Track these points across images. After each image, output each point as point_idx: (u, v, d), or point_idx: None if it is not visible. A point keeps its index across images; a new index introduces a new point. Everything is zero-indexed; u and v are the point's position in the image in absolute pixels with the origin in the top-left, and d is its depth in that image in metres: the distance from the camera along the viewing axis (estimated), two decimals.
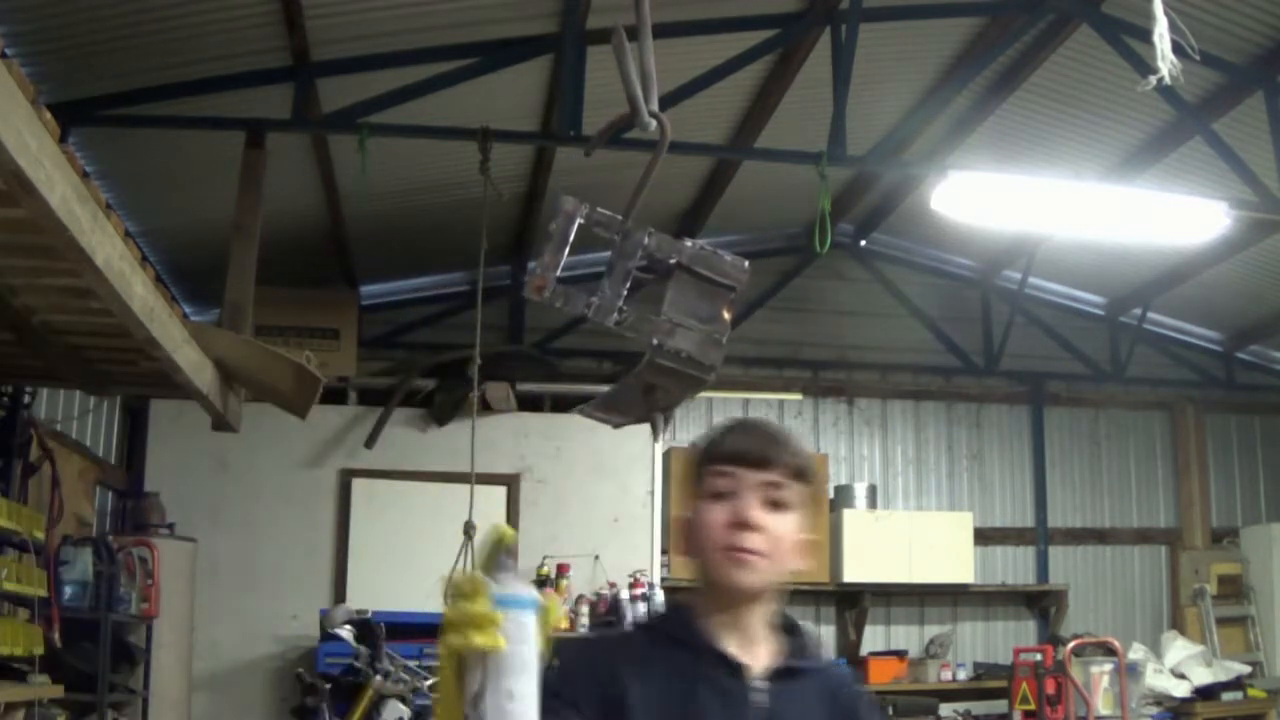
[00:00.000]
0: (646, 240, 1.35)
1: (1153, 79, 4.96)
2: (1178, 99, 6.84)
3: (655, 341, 1.35)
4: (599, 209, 1.34)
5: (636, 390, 1.43)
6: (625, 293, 1.35)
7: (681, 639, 1.82)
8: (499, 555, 1.40)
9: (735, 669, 1.81)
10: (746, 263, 1.37)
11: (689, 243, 1.37)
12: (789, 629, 1.90)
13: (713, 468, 1.79)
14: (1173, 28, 4.87)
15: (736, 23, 6.65)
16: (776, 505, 1.81)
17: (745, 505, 1.79)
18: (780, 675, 1.84)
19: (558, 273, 1.35)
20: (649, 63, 1.66)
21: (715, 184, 8.66)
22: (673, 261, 1.35)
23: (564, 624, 8.55)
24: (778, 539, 1.81)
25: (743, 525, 1.79)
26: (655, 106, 1.64)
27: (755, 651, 1.84)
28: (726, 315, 1.36)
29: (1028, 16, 6.75)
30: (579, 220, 1.34)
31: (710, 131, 7.74)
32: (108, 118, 6.28)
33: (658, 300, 1.35)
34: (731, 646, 1.83)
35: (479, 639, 1.38)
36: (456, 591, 1.40)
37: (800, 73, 7.10)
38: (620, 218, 1.35)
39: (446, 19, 6.28)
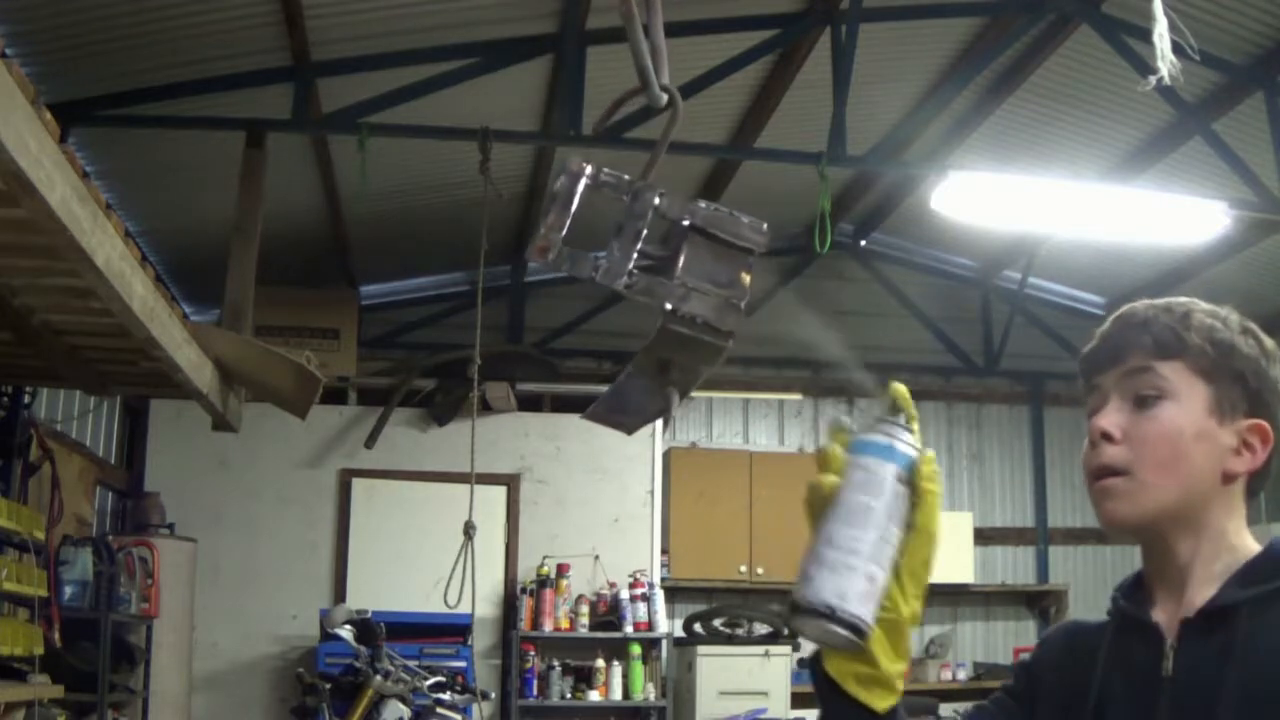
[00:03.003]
0: (658, 200, 1.27)
1: (1153, 79, 4.97)
2: (1178, 99, 6.84)
3: (669, 307, 1.25)
4: (606, 169, 1.29)
5: (649, 370, 1.33)
6: (636, 255, 1.26)
7: (1115, 603, 1.47)
8: (890, 411, 1.25)
9: (1147, 631, 1.39)
10: (765, 225, 1.30)
11: (703, 203, 1.29)
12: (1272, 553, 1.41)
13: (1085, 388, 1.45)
14: (1173, 28, 4.88)
15: (736, 23, 6.65)
16: (1143, 401, 1.41)
17: (1096, 416, 1.42)
18: (1196, 625, 1.36)
19: (563, 234, 1.27)
20: (659, 35, 1.60)
21: (715, 184, 8.66)
22: (686, 223, 1.27)
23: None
24: (1143, 442, 1.38)
25: (1091, 441, 1.42)
26: (666, 80, 1.57)
27: (1189, 602, 1.39)
28: (745, 279, 1.28)
29: (1028, 16, 6.75)
30: (585, 180, 1.27)
31: (710, 131, 7.74)
32: (108, 118, 6.28)
33: (671, 265, 1.27)
34: (1158, 602, 1.42)
35: (813, 479, 1.25)
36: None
37: (800, 73, 7.10)
38: (629, 177, 1.29)
39: (446, 19, 6.29)
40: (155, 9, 5.64)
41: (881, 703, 1.24)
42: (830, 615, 1.15)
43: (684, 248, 1.28)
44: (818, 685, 1.27)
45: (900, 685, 1.25)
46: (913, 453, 1.21)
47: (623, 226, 1.27)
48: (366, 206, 7.46)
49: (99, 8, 5.49)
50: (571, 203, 1.28)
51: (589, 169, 1.29)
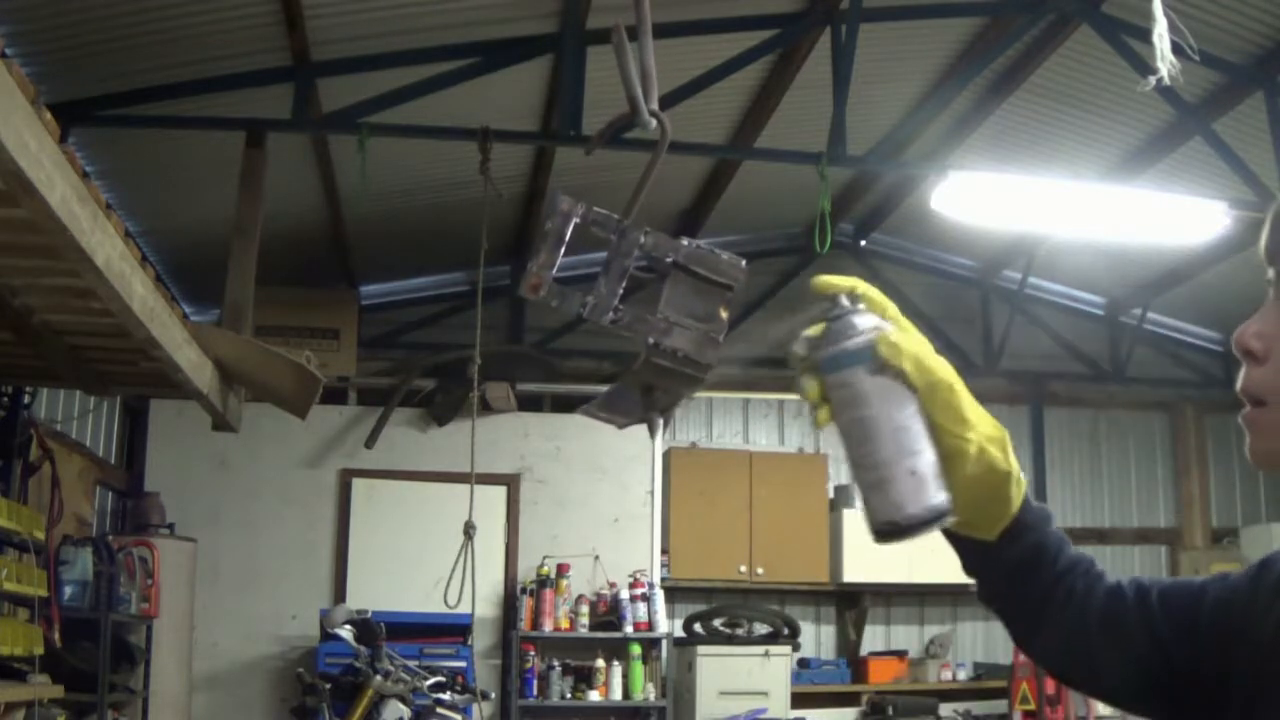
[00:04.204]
0: (643, 239, 1.33)
1: (1152, 79, 4.98)
2: (1178, 99, 6.84)
3: (651, 340, 1.32)
4: (595, 208, 1.34)
5: (635, 390, 1.40)
6: (621, 291, 1.33)
7: None
8: (830, 309, 1.21)
9: None
10: (744, 261, 1.34)
11: (685, 241, 1.34)
12: None
13: None
14: (1173, 28, 4.88)
15: (736, 23, 6.65)
16: None
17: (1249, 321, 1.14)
18: None
19: (553, 272, 1.32)
20: (649, 61, 1.65)
21: (715, 184, 8.66)
22: (669, 260, 1.33)
23: None
24: None
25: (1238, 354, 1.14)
26: (655, 105, 1.63)
27: None
28: (724, 314, 1.34)
29: (1028, 16, 6.75)
30: (575, 219, 1.33)
31: (710, 131, 7.73)
32: (108, 118, 6.28)
33: (654, 299, 1.34)
34: None
35: (815, 418, 1.20)
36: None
37: (800, 73, 7.09)
38: (617, 217, 1.34)
39: (446, 19, 6.29)
40: (155, 9, 5.63)
41: (988, 532, 1.23)
42: (901, 529, 1.17)
43: (667, 284, 1.34)
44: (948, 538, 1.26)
45: (1007, 507, 1.21)
46: (866, 341, 1.19)
47: (610, 264, 1.33)
48: (366, 206, 7.46)
49: (99, 8, 5.49)
50: (562, 242, 1.33)
51: (580, 209, 1.34)
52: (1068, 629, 1.25)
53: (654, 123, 1.62)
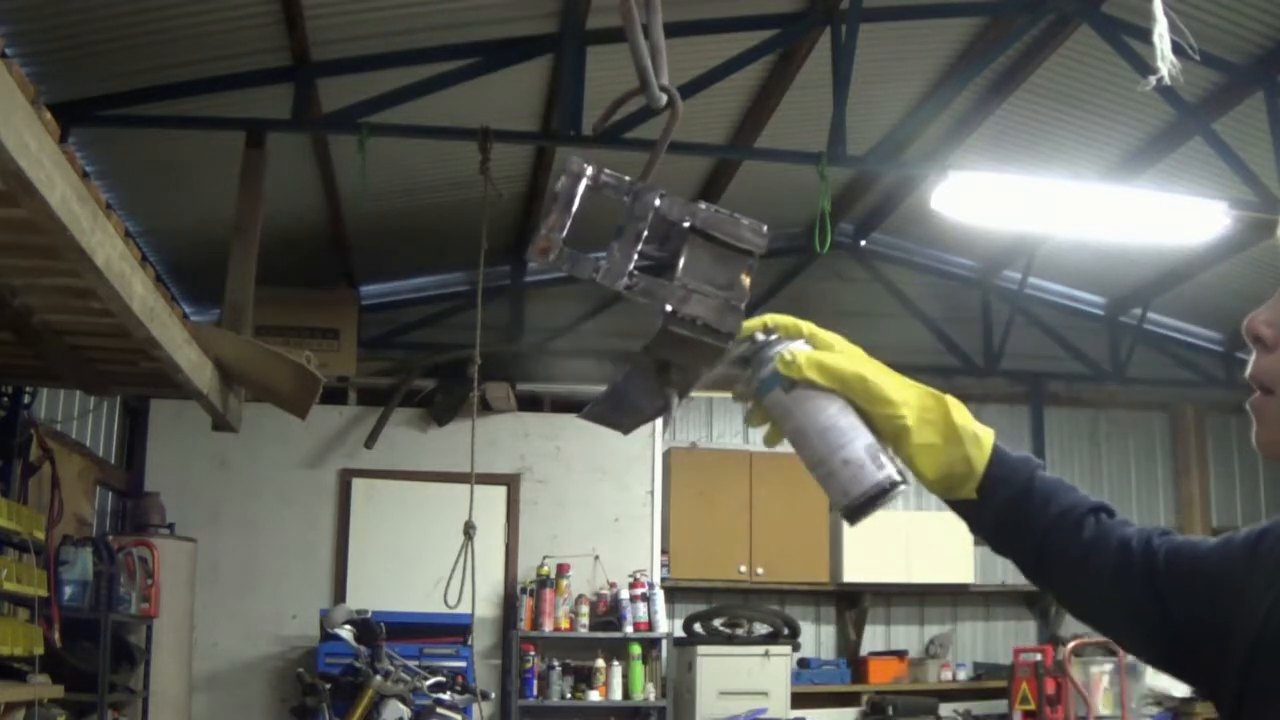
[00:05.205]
0: (658, 201, 1.27)
1: (1153, 79, 4.97)
2: (1178, 99, 6.84)
3: (669, 308, 1.25)
4: (607, 170, 1.29)
5: (648, 373, 1.34)
6: (636, 256, 1.27)
7: None
8: (751, 347, 1.33)
9: None
10: (765, 227, 1.30)
11: (703, 205, 1.29)
12: None
13: None
14: (1173, 28, 4.88)
15: (736, 23, 6.65)
16: None
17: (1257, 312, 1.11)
18: None
19: (563, 235, 1.27)
20: (659, 35, 1.59)
21: (715, 184, 8.66)
22: (686, 225, 1.28)
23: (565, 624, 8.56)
24: None
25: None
26: (666, 80, 1.56)
27: None
28: (745, 281, 1.28)
29: (1028, 16, 6.75)
30: (586, 180, 1.28)
31: (710, 131, 7.74)
32: (108, 118, 6.28)
33: (671, 267, 1.28)
34: None
35: (765, 439, 1.33)
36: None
37: (800, 73, 7.10)
38: (630, 179, 1.29)
39: (446, 19, 6.29)
40: (155, 9, 5.64)
41: (964, 492, 1.29)
42: (855, 509, 1.28)
43: (684, 250, 1.28)
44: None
45: (970, 466, 1.27)
46: (771, 366, 1.30)
47: (623, 228, 1.27)
48: (366, 206, 7.47)
49: (99, 8, 5.49)
50: (572, 203, 1.28)
51: (590, 170, 1.29)
52: (1076, 574, 1.28)
53: (664, 98, 1.56)
